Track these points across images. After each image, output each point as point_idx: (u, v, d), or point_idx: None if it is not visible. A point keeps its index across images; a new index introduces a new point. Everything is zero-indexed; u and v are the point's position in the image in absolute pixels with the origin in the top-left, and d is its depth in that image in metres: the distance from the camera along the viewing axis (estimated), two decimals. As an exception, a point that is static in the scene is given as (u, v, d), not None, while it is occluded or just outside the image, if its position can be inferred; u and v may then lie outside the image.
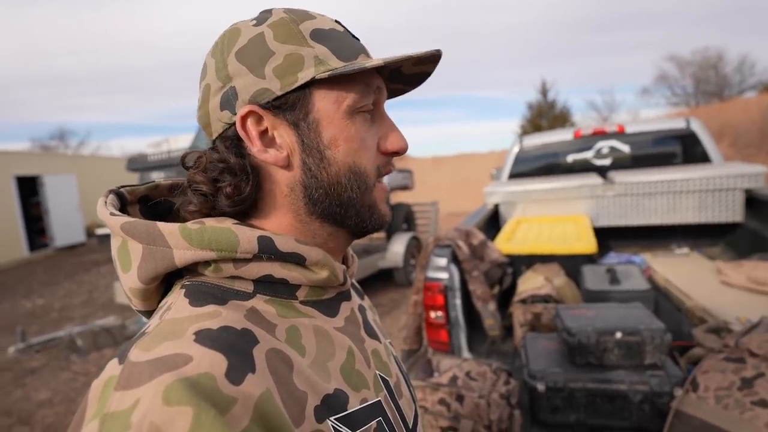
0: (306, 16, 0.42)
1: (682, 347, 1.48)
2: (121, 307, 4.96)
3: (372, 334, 0.48)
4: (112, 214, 0.39)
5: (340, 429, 0.36)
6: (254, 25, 0.41)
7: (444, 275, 1.78)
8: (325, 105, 0.40)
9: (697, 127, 3.01)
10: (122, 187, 0.44)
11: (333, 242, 0.45)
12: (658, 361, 1.27)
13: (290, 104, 0.40)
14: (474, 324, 1.96)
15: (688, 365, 1.36)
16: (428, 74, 0.46)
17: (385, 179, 0.48)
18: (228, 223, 0.39)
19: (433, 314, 1.80)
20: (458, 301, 1.80)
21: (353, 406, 0.38)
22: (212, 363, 0.30)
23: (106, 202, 0.41)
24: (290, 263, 0.40)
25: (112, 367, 0.31)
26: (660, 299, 1.92)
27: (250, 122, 0.40)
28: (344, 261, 0.50)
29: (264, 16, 0.42)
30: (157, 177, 3.65)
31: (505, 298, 2.19)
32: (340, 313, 0.45)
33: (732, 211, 2.59)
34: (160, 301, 0.41)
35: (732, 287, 1.94)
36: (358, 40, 0.45)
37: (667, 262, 2.43)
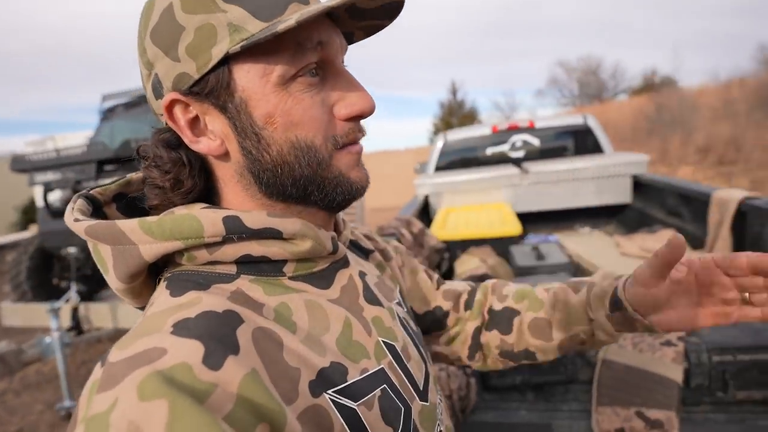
0: None
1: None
2: (9, 330, 4.27)
3: (372, 300, 0.46)
4: (76, 220, 0.37)
5: (340, 401, 0.36)
6: (160, 7, 0.35)
7: (390, 262, 1.84)
8: (251, 80, 0.35)
9: (592, 122, 3.46)
10: (92, 189, 0.42)
11: (309, 218, 0.42)
12: (584, 320, 1.46)
13: (211, 87, 0.35)
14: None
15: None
16: (399, 4, 0.39)
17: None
18: (195, 209, 0.37)
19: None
20: (404, 286, 1.88)
21: (353, 377, 0.38)
22: (188, 352, 0.30)
23: (73, 208, 0.38)
24: (267, 239, 0.38)
25: (96, 371, 0.31)
26: (574, 271, 2.18)
27: (177, 111, 0.37)
28: (336, 227, 0.48)
29: None
30: (53, 177, 3.21)
31: (443, 282, 2.32)
32: (336, 283, 0.43)
33: (623, 194, 3.03)
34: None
35: (629, 256, 2.28)
36: None
37: (575, 240, 2.77)
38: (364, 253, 0.55)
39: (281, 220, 0.38)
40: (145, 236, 0.35)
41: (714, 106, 9.58)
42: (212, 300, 0.34)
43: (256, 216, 0.37)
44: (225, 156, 0.38)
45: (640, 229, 2.75)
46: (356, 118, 0.40)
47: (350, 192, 0.41)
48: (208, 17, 0.34)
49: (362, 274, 0.47)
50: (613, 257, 2.31)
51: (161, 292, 0.36)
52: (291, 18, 0.33)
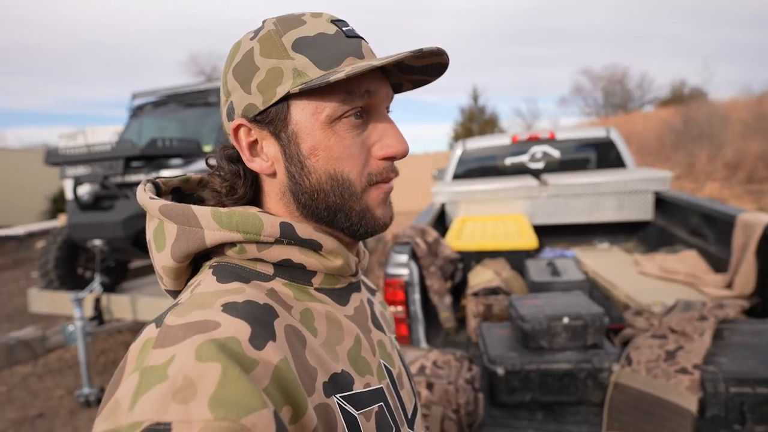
0: (294, 23, 0.43)
1: (613, 329, 1.69)
2: (36, 316, 4.44)
3: (378, 326, 0.51)
4: (151, 198, 0.43)
5: (345, 406, 0.39)
6: (250, 39, 0.43)
7: (404, 271, 1.85)
8: (304, 116, 0.42)
9: (614, 135, 3.40)
10: (157, 178, 0.48)
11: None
12: (598, 341, 1.44)
13: (271, 117, 0.42)
14: (428, 317, 2.06)
15: (621, 344, 1.56)
16: (443, 65, 0.45)
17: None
18: (254, 210, 0.43)
19: (393, 309, 1.86)
20: (417, 296, 1.89)
21: (357, 388, 0.41)
22: (238, 329, 0.34)
23: (145, 189, 0.45)
24: (308, 249, 0.44)
25: (150, 331, 0.35)
26: (590, 289, 2.15)
27: (241, 134, 0.44)
28: (357, 255, 0.53)
29: (259, 28, 0.44)
30: (83, 172, 3.32)
31: (455, 292, 2.31)
32: (350, 303, 0.48)
33: (644, 211, 2.96)
34: (188, 282, 0.44)
35: (647, 276, 2.24)
36: (359, 38, 0.44)
37: (593, 256, 2.73)
38: (371, 291, 0.60)
39: (323, 236, 0.44)
40: (213, 223, 0.41)
41: (745, 120, 9.27)
42: (254, 292, 0.39)
43: (304, 227, 0.43)
44: (273, 175, 0.45)
45: (660, 247, 2.69)
46: (390, 159, 0.45)
47: (373, 226, 0.46)
48: (279, 62, 0.41)
49: (370, 302, 0.53)
50: (631, 276, 2.27)
51: (207, 277, 0.41)
52: (343, 70, 0.40)
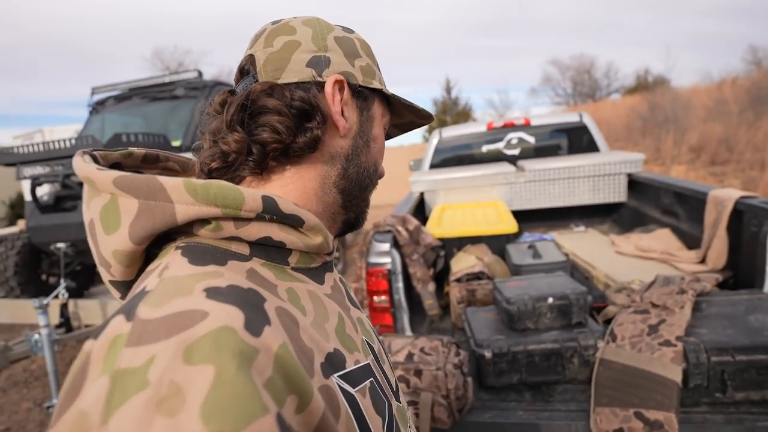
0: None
1: (596, 308, 1.71)
2: (-3, 327, 4.18)
3: (354, 304, 0.51)
4: (99, 169, 0.37)
5: (343, 386, 0.37)
6: (342, 30, 0.50)
7: (387, 260, 1.81)
8: (377, 112, 0.52)
9: (587, 120, 3.45)
10: (95, 150, 0.42)
11: (328, 222, 0.49)
12: (582, 319, 1.44)
13: (363, 95, 0.49)
14: (412, 306, 2.04)
15: (604, 321, 1.57)
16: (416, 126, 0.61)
17: None
18: (226, 183, 0.38)
19: (377, 299, 1.83)
20: (401, 285, 1.86)
21: (350, 366, 0.40)
22: (230, 316, 0.29)
23: (84, 160, 0.39)
24: (288, 226, 0.41)
25: (119, 325, 0.29)
26: (571, 270, 2.17)
27: (337, 88, 0.47)
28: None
29: (348, 29, 0.52)
30: (41, 171, 3.14)
31: (438, 280, 2.30)
32: (326, 282, 0.46)
33: (618, 193, 3.02)
34: (140, 271, 0.39)
35: (624, 255, 2.28)
36: None
37: (571, 238, 2.77)
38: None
39: (306, 212, 0.42)
40: (187, 196, 0.36)
41: (707, 105, 9.65)
42: (233, 276, 0.35)
43: (286, 202, 0.41)
44: (343, 137, 0.48)
45: (634, 228, 2.75)
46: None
47: (363, 221, 0.54)
48: (372, 64, 0.51)
49: (342, 281, 0.53)
50: (609, 256, 2.31)
51: (176, 259, 0.35)
52: (418, 105, 0.56)
